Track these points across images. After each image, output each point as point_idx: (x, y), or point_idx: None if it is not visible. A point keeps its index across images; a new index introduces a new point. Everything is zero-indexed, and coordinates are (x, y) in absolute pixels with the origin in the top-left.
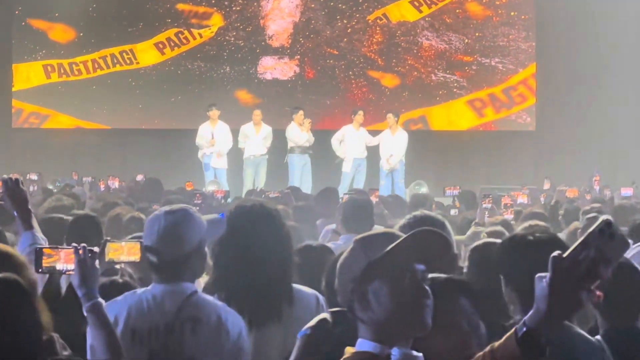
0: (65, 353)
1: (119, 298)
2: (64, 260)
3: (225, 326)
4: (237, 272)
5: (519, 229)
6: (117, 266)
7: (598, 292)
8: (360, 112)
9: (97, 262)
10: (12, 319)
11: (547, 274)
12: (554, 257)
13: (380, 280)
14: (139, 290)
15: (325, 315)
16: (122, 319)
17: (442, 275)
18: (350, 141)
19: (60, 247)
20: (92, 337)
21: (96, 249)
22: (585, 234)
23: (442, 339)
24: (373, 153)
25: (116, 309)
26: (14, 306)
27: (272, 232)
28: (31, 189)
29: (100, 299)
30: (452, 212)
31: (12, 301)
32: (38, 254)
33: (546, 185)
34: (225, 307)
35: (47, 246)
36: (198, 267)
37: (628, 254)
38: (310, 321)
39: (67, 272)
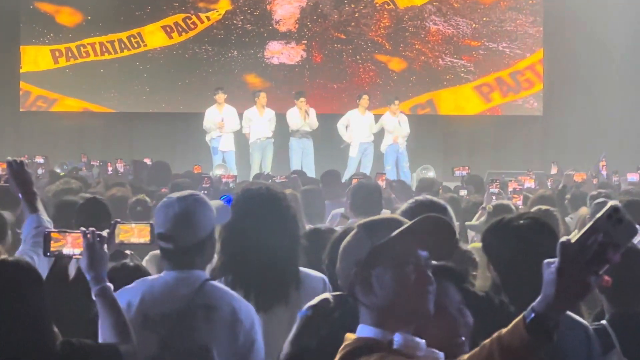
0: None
1: (132, 285)
2: (71, 245)
3: (239, 316)
4: (243, 255)
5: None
6: (127, 251)
7: (606, 277)
8: (365, 97)
9: (105, 246)
10: (25, 302)
11: (555, 260)
12: (562, 242)
13: (384, 265)
14: (151, 277)
15: (327, 295)
16: (135, 304)
17: (433, 263)
18: (356, 126)
19: (67, 231)
20: (101, 320)
21: (105, 232)
22: (593, 220)
23: (429, 324)
24: (379, 138)
25: (129, 295)
26: (26, 289)
27: (278, 215)
28: (39, 171)
29: (108, 283)
30: (462, 192)
31: (24, 284)
32: (46, 238)
33: (553, 170)
34: (239, 298)
35: (55, 230)
36: (209, 254)
37: (635, 240)
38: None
39: (74, 256)
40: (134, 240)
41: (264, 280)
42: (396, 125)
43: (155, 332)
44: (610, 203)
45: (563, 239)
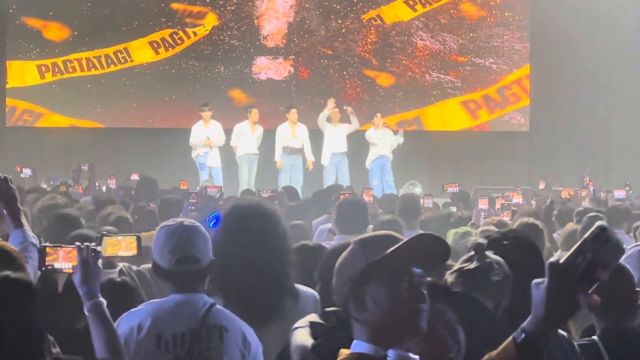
0: (55, 350)
1: (139, 307)
2: (63, 259)
3: (249, 339)
4: (234, 272)
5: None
6: (121, 264)
7: (595, 296)
8: (335, 110)
9: (99, 261)
10: (23, 319)
11: (544, 280)
12: (551, 263)
13: (377, 282)
14: (157, 300)
15: (314, 316)
16: (146, 325)
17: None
18: (328, 136)
19: (60, 245)
20: (93, 335)
21: (99, 248)
22: (581, 240)
23: (419, 342)
24: (361, 152)
25: (138, 317)
26: (25, 307)
27: (268, 231)
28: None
29: (101, 298)
30: (452, 209)
31: (25, 302)
32: (41, 252)
33: (541, 186)
34: (244, 323)
35: (49, 245)
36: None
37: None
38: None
39: (64, 270)
40: (122, 253)
41: (256, 297)
42: (379, 138)
43: (170, 352)
44: (597, 223)
45: (552, 259)
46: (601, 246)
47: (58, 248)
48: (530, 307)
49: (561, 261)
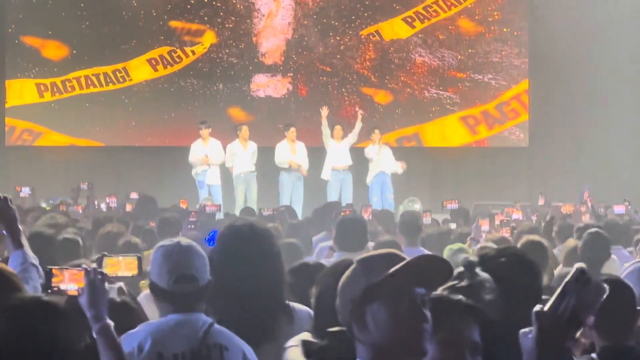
0: None
1: (137, 329)
2: (69, 280)
3: (249, 359)
4: (228, 292)
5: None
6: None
7: (583, 340)
8: (337, 127)
9: (106, 283)
10: (51, 342)
11: (532, 329)
12: (537, 312)
13: (379, 302)
14: (155, 321)
15: (306, 335)
16: (147, 345)
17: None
18: (331, 152)
19: (65, 267)
20: (102, 358)
21: (114, 269)
22: (563, 284)
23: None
24: (362, 169)
25: (137, 338)
26: (55, 330)
27: (263, 251)
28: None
29: (109, 321)
30: (452, 225)
31: (54, 325)
32: (48, 274)
33: (541, 201)
34: (245, 343)
35: (55, 267)
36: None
37: (622, 274)
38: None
39: (70, 292)
40: (121, 273)
41: (249, 317)
42: (377, 153)
43: None
44: (576, 266)
45: (536, 308)
46: (583, 288)
47: (64, 270)
48: (524, 326)
49: (546, 308)
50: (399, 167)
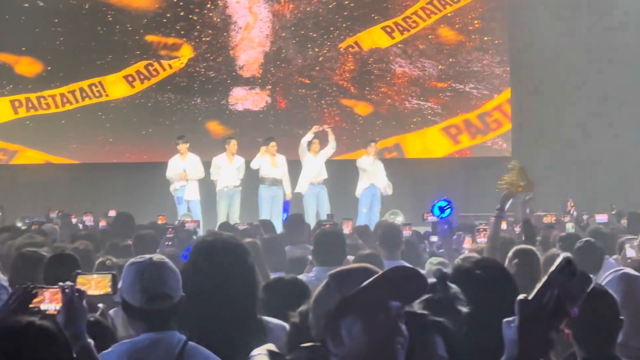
0: None
1: (110, 349)
2: (49, 300)
3: None
4: (199, 308)
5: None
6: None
7: (566, 330)
8: (315, 141)
9: (84, 301)
10: None
11: (515, 318)
12: (520, 300)
13: (353, 316)
14: (128, 340)
15: (271, 345)
16: None
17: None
18: (308, 164)
19: (45, 286)
20: None
21: (84, 288)
22: (547, 274)
23: None
24: (344, 181)
25: (112, 358)
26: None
27: (235, 266)
28: None
29: (89, 339)
30: (433, 238)
31: (49, 351)
32: (27, 295)
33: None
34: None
35: (37, 285)
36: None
37: (603, 281)
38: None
39: (49, 312)
40: (92, 292)
41: (222, 334)
42: (371, 164)
43: None
44: (562, 255)
45: (520, 297)
46: (568, 279)
47: (44, 290)
48: (499, 341)
49: (530, 297)
50: (389, 188)
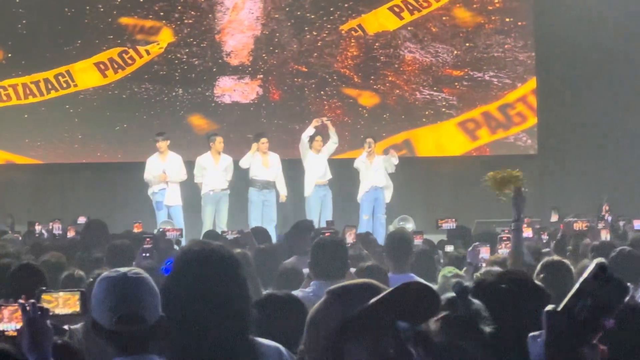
0: None
1: None
2: (8, 319)
3: None
4: (183, 328)
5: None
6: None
7: (601, 346)
8: (317, 138)
9: (48, 321)
10: None
11: (542, 332)
12: (548, 312)
13: (357, 338)
14: None
15: None
16: None
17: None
18: (310, 164)
19: (3, 303)
20: None
21: (50, 307)
22: (579, 282)
23: None
24: (347, 183)
25: None
26: None
27: (224, 279)
28: None
29: None
30: (448, 248)
31: None
32: None
33: (554, 218)
34: None
35: None
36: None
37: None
38: None
39: (8, 333)
40: (59, 311)
41: (210, 354)
42: (366, 163)
43: None
44: (596, 261)
45: (548, 307)
46: (602, 287)
47: (2, 307)
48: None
49: (559, 308)
50: (393, 160)
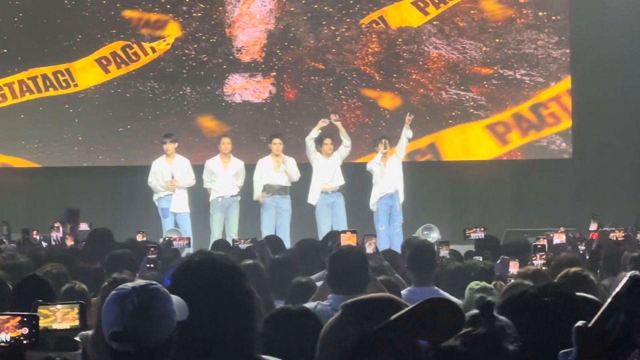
0: None
1: None
2: None
3: None
4: (184, 346)
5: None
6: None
7: None
8: (327, 140)
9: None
10: None
11: (572, 350)
12: (578, 328)
13: (376, 357)
14: None
15: None
16: None
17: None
18: (319, 169)
19: None
20: None
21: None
22: (612, 296)
23: None
24: (364, 187)
25: None
26: None
27: (227, 293)
28: None
29: None
30: (477, 259)
31: None
32: None
33: (592, 227)
34: None
35: None
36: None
37: None
38: None
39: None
40: (57, 325)
41: None
42: (382, 171)
43: None
44: (630, 274)
45: (579, 323)
46: (636, 302)
47: None
48: None
49: (590, 324)
50: (407, 132)
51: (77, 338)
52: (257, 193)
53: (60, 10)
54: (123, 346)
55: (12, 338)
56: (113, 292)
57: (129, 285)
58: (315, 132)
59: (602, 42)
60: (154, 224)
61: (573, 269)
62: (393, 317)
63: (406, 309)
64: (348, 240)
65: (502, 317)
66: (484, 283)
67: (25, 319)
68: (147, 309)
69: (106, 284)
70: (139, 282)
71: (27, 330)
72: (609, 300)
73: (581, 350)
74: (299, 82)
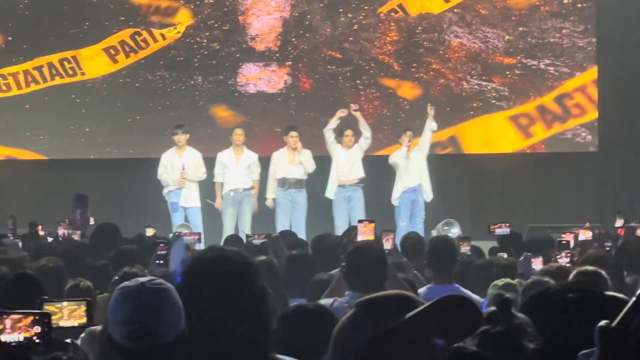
0: None
1: None
2: (10, 329)
3: None
4: (196, 345)
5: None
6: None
7: None
8: (348, 131)
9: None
10: None
11: (595, 350)
12: (601, 328)
13: (391, 356)
14: None
15: None
16: None
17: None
18: (337, 163)
19: (6, 311)
20: None
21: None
22: (635, 296)
23: None
24: (383, 180)
25: None
26: None
27: (240, 291)
28: None
29: None
30: (502, 255)
31: None
32: None
33: (619, 223)
34: None
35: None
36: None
37: None
38: None
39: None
40: (64, 323)
41: None
42: (406, 165)
43: None
44: None
45: (601, 323)
46: None
47: (4, 316)
48: None
49: (613, 324)
50: (432, 124)
51: (75, 340)
52: (271, 192)
53: None
54: (141, 343)
55: (25, 338)
56: (118, 289)
57: (135, 281)
58: (333, 123)
59: (629, 31)
60: (164, 218)
61: (587, 268)
62: (408, 315)
63: (422, 307)
64: (365, 229)
65: (521, 315)
66: (508, 280)
67: (37, 318)
68: (160, 304)
69: (117, 278)
70: (141, 279)
71: (39, 329)
72: (633, 299)
73: (604, 351)
74: (315, 72)
